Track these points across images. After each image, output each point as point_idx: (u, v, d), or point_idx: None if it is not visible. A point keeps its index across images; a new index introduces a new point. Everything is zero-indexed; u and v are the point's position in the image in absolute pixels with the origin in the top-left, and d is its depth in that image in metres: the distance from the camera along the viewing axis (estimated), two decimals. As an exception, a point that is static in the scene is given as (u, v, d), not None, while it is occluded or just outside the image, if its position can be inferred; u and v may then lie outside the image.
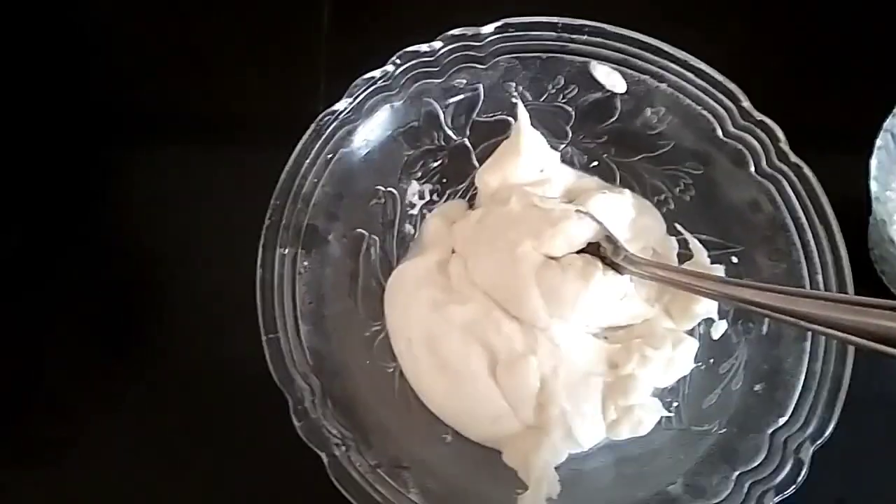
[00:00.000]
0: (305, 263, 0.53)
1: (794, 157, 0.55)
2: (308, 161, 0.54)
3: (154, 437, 0.59)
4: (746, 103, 0.56)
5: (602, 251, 0.57)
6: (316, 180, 0.54)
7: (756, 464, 0.49)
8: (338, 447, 0.47)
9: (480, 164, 0.63)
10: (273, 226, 0.52)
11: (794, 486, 0.48)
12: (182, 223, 0.65)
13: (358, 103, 0.56)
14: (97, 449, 0.59)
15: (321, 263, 0.54)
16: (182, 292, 0.63)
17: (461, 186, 0.64)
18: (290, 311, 0.51)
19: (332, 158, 0.55)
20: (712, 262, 0.59)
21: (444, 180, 0.63)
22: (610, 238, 0.57)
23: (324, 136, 0.55)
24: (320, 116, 0.55)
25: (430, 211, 0.63)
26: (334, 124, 0.55)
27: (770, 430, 0.50)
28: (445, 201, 0.64)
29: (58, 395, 0.61)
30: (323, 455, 0.47)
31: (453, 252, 0.60)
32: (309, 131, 0.54)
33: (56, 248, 0.65)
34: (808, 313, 0.43)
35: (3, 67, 0.70)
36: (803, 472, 0.48)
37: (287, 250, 0.52)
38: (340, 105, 0.55)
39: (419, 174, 0.62)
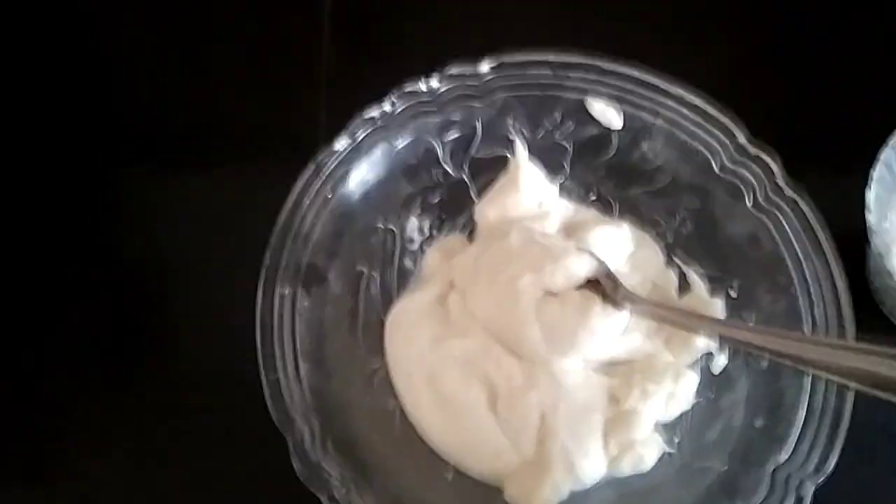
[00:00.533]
0: (305, 304, 0.53)
1: (789, 192, 0.55)
2: (308, 200, 0.55)
3: (147, 476, 0.59)
4: (741, 139, 0.57)
5: (601, 288, 0.58)
6: (315, 220, 0.55)
7: (758, 500, 0.49)
8: (337, 489, 0.47)
9: (479, 198, 0.63)
10: (272, 266, 0.52)
11: (795, 526, 0.47)
12: (180, 246, 0.66)
13: (357, 143, 0.56)
14: (91, 462, 0.59)
15: (321, 302, 0.54)
16: (183, 315, 0.64)
17: (460, 220, 0.64)
18: (289, 352, 0.51)
19: (331, 197, 0.55)
20: (711, 296, 0.59)
21: (443, 215, 0.63)
22: (609, 275, 0.58)
23: (323, 176, 0.55)
24: (320, 157, 0.55)
25: (429, 246, 0.63)
26: (334, 164, 0.56)
27: (771, 467, 0.50)
28: (445, 236, 0.64)
29: (53, 406, 0.61)
30: (323, 497, 0.47)
31: (452, 286, 0.61)
32: (308, 171, 0.55)
33: (56, 262, 0.65)
34: (806, 357, 0.44)
35: (6, 83, 0.71)
36: None
37: (287, 290, 0.52)
38: (339, 145, 0.56)
39: (418, 210, 0.62)
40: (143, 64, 0.74)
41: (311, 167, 0.55)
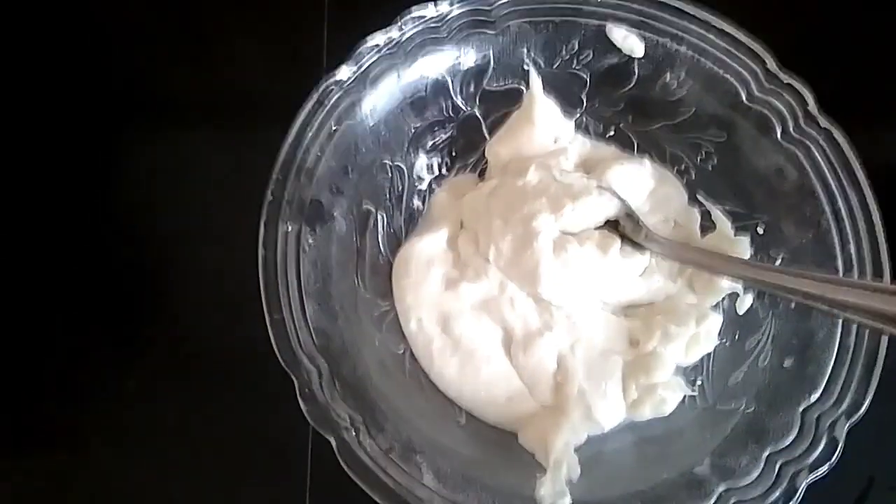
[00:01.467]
0: (310, 241, 0.50)
1: (823, 121, 0.52)
2: (311, 133, 0.51)
3: (158, 422, 0.57)
4: (772, 65, 0.53)
5: (621, 228, 0.55)
6: (319, 154, 0.52)
7: (787, 443, 0.47)
8: (347, 431, 0.45)
9: (491, 136, 0.60)
10: (275, 202, 0.50)
11: (827, 465, 0.46)
12: (184, 202, 0.63)
13: (362, 72, 0.53)
14: (103, 433, 0.58)
15: (327, 240, 0.52)
16: (186, 273, 0.62)
17: (472, 159, 0.61)
18: (294, 291, 0.48)
19: (336, 131, 0.52)
20: (737, 233, 0.57)
21: (454, 153, 0.60)
22: (631, 215, 0.55)
23: (327, 107, 0.52)
24: (323, 85, 0.52)
25: (439, 185, 0.61)
26: (338, 94, 0.52)
27: (801, 408, 0.48)
28: (455, 175, 0.61)
29: (62, 378, 0.59)
30: (332, 439, 0.45)
31: (462, 226, 0.58)
32: (311, 101, 0.51)
33: (56, 233, 0.63)
34: (839, 300, 0.41)
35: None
36: (838, 451, 0.46)
37: (290, 227, 0.49)
38: (343, 74, 0.52)
39: (428, 147, 0.59)
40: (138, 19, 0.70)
41: (313, 97, 0.52)
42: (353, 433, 0.45)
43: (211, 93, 0.68)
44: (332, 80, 0.52)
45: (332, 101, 0.52)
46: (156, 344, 0.60)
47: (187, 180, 0.64)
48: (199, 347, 0.58)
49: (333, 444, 0.45)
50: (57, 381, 0.60)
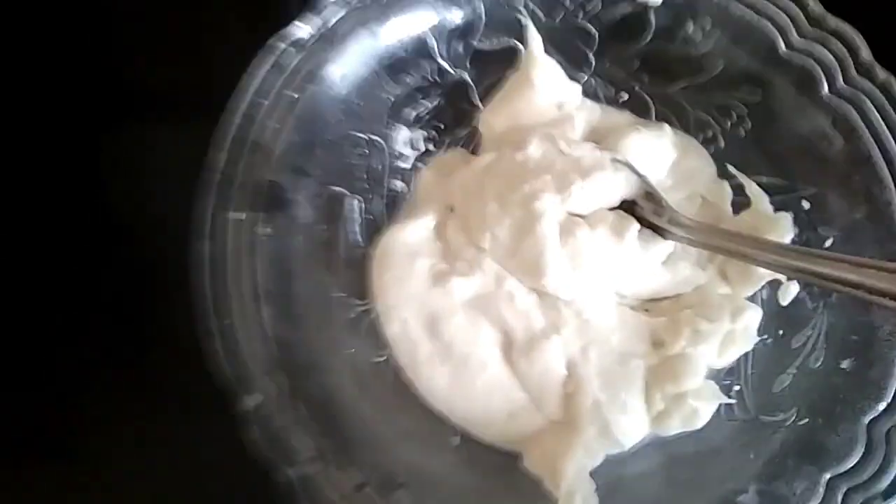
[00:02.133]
0: (268, 230, 0.42)
1: (881, 72, 0.45)
2: (267, 103, 0.43)
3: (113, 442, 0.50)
4: (816, 7, 0.46)
5: (639, 210, 0.47)
6: (278, 126, 0.44)
7: (852, 464, 0.40)
8: (310, 463, 0.37)
9: (484, 104, 0.53)
10: (224, 185, 0.41)
11: (905, 492, 0.37)
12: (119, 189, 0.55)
13: (328, 30, 0.45)
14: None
15: (287, 230, 0.44)
16: (124, 272, 0.53)
17: (462, 132, 0.54)
18: (248, 292, 0.41)
19: (297, 100, 0.44)
20: (776, 210, 0.49)
21: (441, 125, 0.53)
22: (652, 194, 0.47)
23: (287, 71, 0.44)
24: (281, 46, 0.44)
25: (425, 164, 0.53)
26: (299, 57, 0.44)
27: (867, 419, 0.41)
28: (444, 151, 0.53)
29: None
30: (290, 473, 0.37)
31: (451, 210, 0.50)
32: (265, 65, 0.44)
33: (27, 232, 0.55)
34: None
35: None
36: None
37: (243, 214, 0.41)
38: (303, 31, 0.44)
39: (410, 118, 0.51)
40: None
41: (268, 60, 0.43)
42: (318, 465, 0.37)
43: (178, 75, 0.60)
44: (290, 39, 0.44)
45: (292, 65, 0.44)
46: (113, 350, 0.52)
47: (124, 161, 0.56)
48: (140, 358, 0.50)
49: (293, 479, 0.36)
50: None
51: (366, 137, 0.49)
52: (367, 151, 0.49)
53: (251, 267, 0.41)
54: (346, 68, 0.46)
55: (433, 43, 0.49)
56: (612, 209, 0.48)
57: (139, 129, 0.56)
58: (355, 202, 0.49)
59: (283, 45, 0.44)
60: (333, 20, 0.45)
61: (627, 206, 0.48)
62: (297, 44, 0.44)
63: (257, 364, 0.39)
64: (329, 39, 0.45)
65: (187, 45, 0.58)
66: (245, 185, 0.42)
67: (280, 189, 0.44)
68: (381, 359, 0.47)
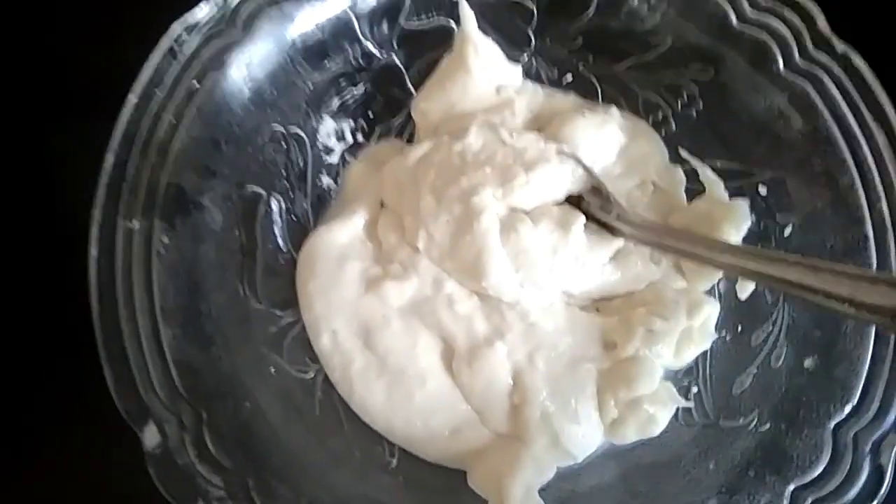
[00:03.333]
0: (165, 240, 0.38)
1: (838, 44, 0.42)
2: (161, 94, 0.38)
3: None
4: None
5: (585, 205, 0.44)
6: (175, 121, 0.38)
7: (817, 472, 0.37)
8: (220, 502, 0.33)
9: (417, 90, 0.48)
10: (113, 187, 0.36)
11: (874, 503, 0.34)
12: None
13: (232, 10, 0.40)
14: None
15: (193, 239, 0.39)
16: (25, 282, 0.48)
17: (395, 121, 0.50)
18: (143, 310, 0.36)
19: (197, 89, 0.39)
20: (732, 196, 0.46)
21: (371, 114, 0.49)
22: (599, 190, 0.43)
23: (183, 59, 0.39)
24: (175, 30, 0.39)
25: (355, 157, 0.48)
26: (197, 41, 0.39)
27: (833, 423, 0.38)
28: (376, 142, 0.49)
29: None
30: (196, 515, 0.32)
31: (382, 206, 0.45)
32: (158, 52, 0.38)
33: None
34: (869, 303, 0.32)
35: None
36: (886, 482, 0.35)
37: (136, 223, 0.37)
38: (202, 11, 0.39)
39: (334, 108, 0.47)
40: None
41: (162, 44, 0.38)
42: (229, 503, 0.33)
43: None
44: (185, 22, 0.38)
45: (189, 51, 0.39)
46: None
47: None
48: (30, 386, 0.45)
49: (198, 523, 0.32)
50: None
51: (283, 131, 0.44)
52: (285, 146, 0.45)
53: (146, 282, 0.36)
54: (254, 53, 0.41)
55: (355, 22, 0.45)
56: (556, 204, 0.45)
57: (47, 127, 0.50)
58: (274, 203, 0.44)
59: (178, 29, 0.39)
60: (236, 1, 0.40)
61: (573, 202, 0.45)
62: (194, 27, 0.39)
63: (155, 394, 0.34)
64: (232, 22, 0.40)
65: (94, 34, 0.52)
66: (138, 188, 0.37)
67: (182, 192, 0.39)
68: (309, 376, 0.43)
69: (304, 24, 0.43)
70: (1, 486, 0.44)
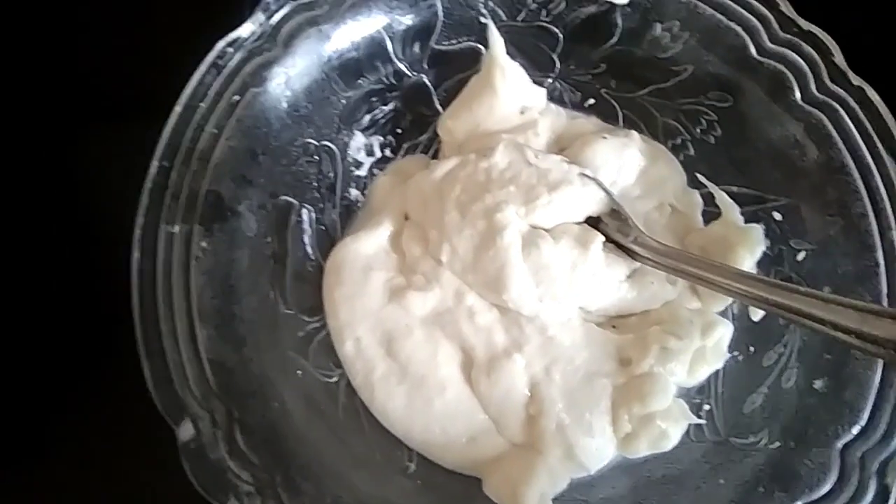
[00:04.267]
0: (204, 244, 0.39)
1: (853, 77, 0.43)
2: (204, 106, 0.40)
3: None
4: (787, 8, 0.44)
5: (604, 227, 0.45)
6: (216, 132, 0.40)
7: (824, 491, 0.38)
8: (249, 497, 0.34)
9: (444, 108, 0.50)
10: (156, 193, 0.38)
11: (879, 521, 0.35)
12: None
13: (273, 28, 0.42)
14: None
15: (229, 244, 0.41)
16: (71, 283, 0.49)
17: (422, 138, 0.51)
18: (181, 311, 0.37)
19: (238, 102, 0.41)
20: (747, 221, 0.47)
21: (399, 130, 0.50)
22: (618, 213, 0.44)
23: (225, 73, 0.41)
24: (219, 46, 0.40)
25: (382, 171, 0.50)
26: (240, 57, 0.41)
27: (840, 444, 0.39)
28: (402, 157, 0.50)
29: None
30: (228, 508, 0.34)
31: (407, 219, 0.47)
32: (203, 66, 0.40)
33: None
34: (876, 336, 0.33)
35: None
36: (891, 502, 0.36)
37: (177, 227, 0.38)
38: (246, 29, 0.41)
39: (364, 123, 0.49)
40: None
41: (207, 59, 0.40)
42: (258, 499, 0.34)
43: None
44: (230, 38, 0.41)
45: (231, 65, 0.41)
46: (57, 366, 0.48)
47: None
48: (73, 383, 0.47)
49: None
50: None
51: (316, 144, 0.46)
52: (317, 158, 0.46)
53: (185, 284, 0.38)
54: (292, 70, 0.43)
55: (388, 43, 0.46)
56: (576, 224, 0.46)
57: (93, 135, 0.53)
58: (305, 212, 0.46)
59: (221, 45, 0.41)
60: (278, 18, 0.42)
61: (592, 223, 0.46)
62: (237, 43, 0.41)
63: (190, 391, 0.36)
64: (273, 39, 0.42)
65: (144, 48, 0.55)
66: (179, 195, 0.39)
67: (220, 199, 0.40)
68: (333, 380, 0.44)
69: (341, 43, 0.44)
70: (45, 476, 0.46)
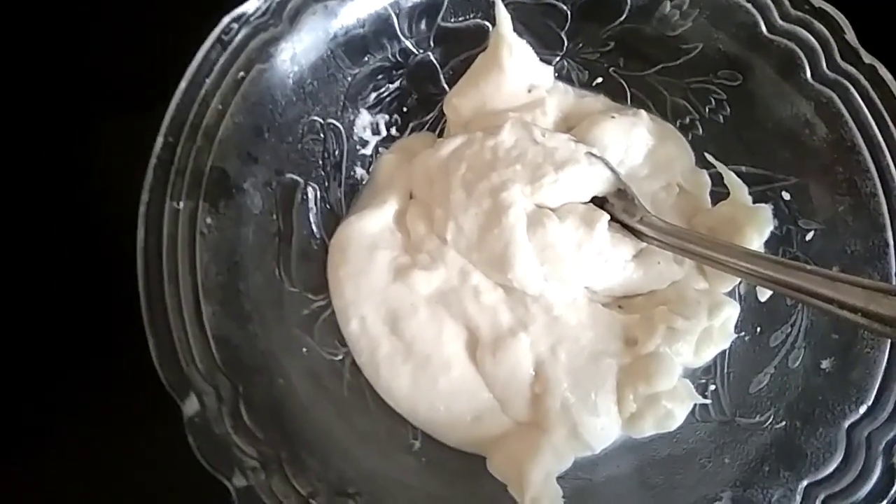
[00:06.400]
0: (209, 221, 0.39)
1: (865, 55, 0.42)
2: (209, 82, 0.40)
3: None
4: None
5: (609, 207, 0.44)
6: (221, 107, 0.40)
7: (830, 470, 0.38)
8: (254, 472, 0.34)
9: (450, 86, 0.50)
10: (161, 171, 0.38)
11: (886, 501, 0.35)
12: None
13: (278, 3, 0.42)
14: None
15: (234, 221, 0.41)
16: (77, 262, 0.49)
17: (428, 117, 0.51)
18: (187, 287, 0.37)
19: (243, 79, 0.41)
20: (756, 201, 0.47)
21: (405, 109, 0.50)
22: (624, 192, 0.44)
23: (231, 48, 0.40)
24: (224, 22, 0.40)
25: (388, 149, 0.49)
26: (244, 32, 0.41)
27: (846, 423, 0.39)
28: (408, 136, 0.50)
29: None
30: (230, 483, 0.34)
31: (411, 197, 0.47)
32: (209, 42, 0.40)
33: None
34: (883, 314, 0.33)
35: None
36: None
37: (182, 203, 0.38)
38: (251, 5, 0.41)
39: (370, 101, 0.48)
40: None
41: (212, 35, 0.40)
42: (261, 476, 0.34)
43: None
44: (235, 13, 0.40)
45: (236, 41, 0.40)
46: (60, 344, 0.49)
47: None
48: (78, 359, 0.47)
49: (232, 489, 0.34)
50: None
51: (322, 121, 0.46)
52: (322, 136, 0.46)
53: (190, 261, 0.38)
54: (298, 46, 0.43)
55: (394, 19, 0.46)
56: (582, 203, 0.46)
57: (99, 115, 0.52)
58: (310, 190, 0.46)
59: (227, 21, 0.40)
60: (283, -6, 0.42)
61: (598, 203, 0.46)
62: (243, 19, 0.41)
63: (195, 366, 0.36)
64: (278, 15, 0.42)
65: (150, 24, 0.54)
66: (184, 171, 0.39)
67: (225, 176, 0.40)
68: (338, 358, 0.44)
69: (347, 19, 0.44)
70: (51, 452, 0.46)
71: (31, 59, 0.54)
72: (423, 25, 0.47)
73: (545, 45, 0.49)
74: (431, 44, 0.48)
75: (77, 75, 0.53)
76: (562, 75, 0.50)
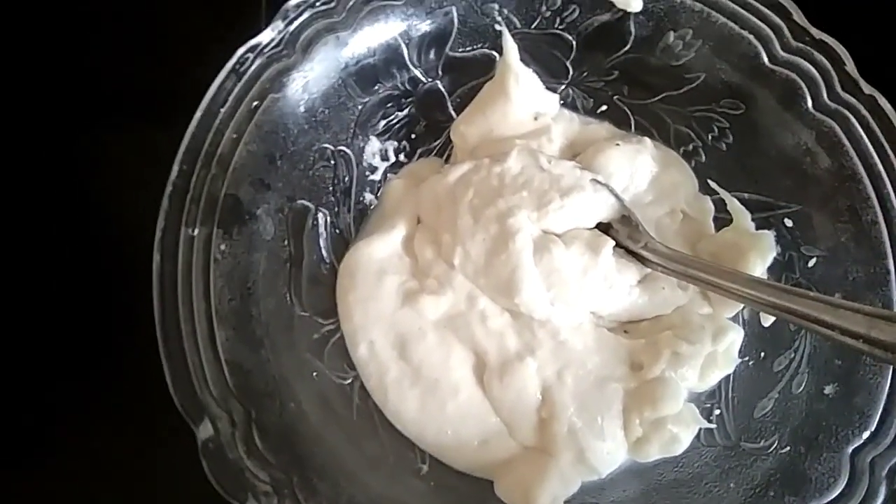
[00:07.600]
0: (223, 247, 0.40)
1: (865, 86, 0.43)
2: (224, 111, 0.41)
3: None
4: (800, 17, 0.44)
5: (614, 233, 0.45)
6: (236, 136, 0.41)
7: (834, 495, 0.38)
8: (266, 497, 0.35)
9: (458, 114, 0.51)
10: (176, 198, 0.39)
11: (890, 528, 0.36)
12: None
13: (291, 34, 0.42)
14: None
15: (247, 247, 0.41)
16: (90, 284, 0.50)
17: (436, 143, 0.52)
18: (201, 313, 0.38)
19: (257, 107, 0.42)
20: (758, 227, 0.47)
21: (413, 135, 0.51)
22: (629, 218, 0.45)
23: (245, 78, 0.41)
24: (239, 53, 0.41)
25: (396, 174, 0.50)
26: (259, 62, 0.42)
27: (850, 449, 0.39)
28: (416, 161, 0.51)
29: None
30: (245, 508, 0.34)
31: (419, 223, 0.47)
32: (224, 72, 0.41)
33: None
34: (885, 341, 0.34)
35: None
36: None
37: (196, 230, 0.39)
38: (265, 37, 0.42)
39: (380, 128, 0.49)
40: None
41: (227, 65, 0.41)
42: (275, 499, 0.35)
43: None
44: (250, 44, 0.41)
45: (250, 71, 0.41)
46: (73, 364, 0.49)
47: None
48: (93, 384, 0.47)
49: (247, 515, 0.34)
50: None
51: (332, 148, 0.47)
52: (333, 163, 0.47)
53: (204, 286, 0.38)
54: (310, 76, 0.44)
55: (404, 49, 0.47)
56: (587, 229, 0.47)
57: (112, 137, 0.53)
58: (321, 216, 0.46)
59: (241, 52, 0.41)
60: (296, 25, 0.43)
61: (603, 228, 0.46)
62: (257, 50, 0.42)
63: (209, 391, 0.36)
64: (291, 45, 0.43)
65: (167, 56, 0.55)
66: (199, 199, 0.39)
67: (238, 203, 0.41)
68: (347, 382, 0.45)
69: (358, 49, 0.45)
70: (64, 476, 0.47)
71: (47, 84, 0.55)
72: (431, 55, 0.48)
73: (551, 74, 0.50)
74: (440, 72, 0.49)
75: (95, 101, 0.54)
76: (567, 103, 0.51)
